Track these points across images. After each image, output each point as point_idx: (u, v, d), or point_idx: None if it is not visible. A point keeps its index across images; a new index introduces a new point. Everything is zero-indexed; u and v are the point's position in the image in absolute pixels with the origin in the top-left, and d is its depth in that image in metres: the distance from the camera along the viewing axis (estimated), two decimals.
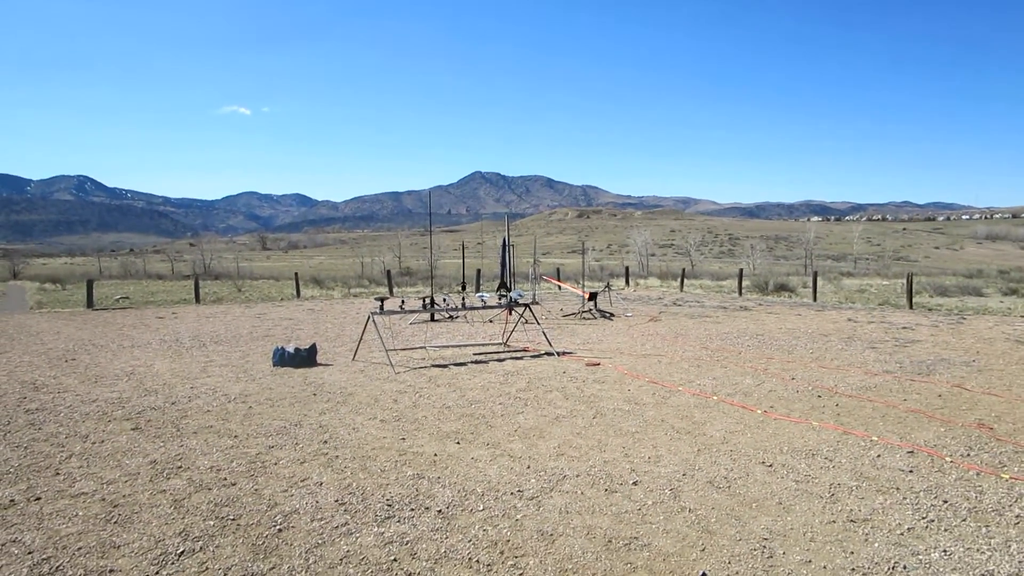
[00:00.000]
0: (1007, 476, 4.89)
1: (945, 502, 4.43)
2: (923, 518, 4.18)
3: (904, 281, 21.81)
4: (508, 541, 3.90)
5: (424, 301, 12.89)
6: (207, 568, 3.60)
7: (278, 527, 4.09)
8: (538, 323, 12.23)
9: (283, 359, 9.51)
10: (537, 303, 15.12)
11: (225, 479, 4.91)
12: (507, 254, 14.52)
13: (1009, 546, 3.80)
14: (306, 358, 9.57)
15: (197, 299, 22.00)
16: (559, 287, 24.37)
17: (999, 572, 3.52)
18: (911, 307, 18.33)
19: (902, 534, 3.96)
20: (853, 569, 3.56)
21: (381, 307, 10.23)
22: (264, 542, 3.89)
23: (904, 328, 13.57)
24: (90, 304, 20.21)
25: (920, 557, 3.68)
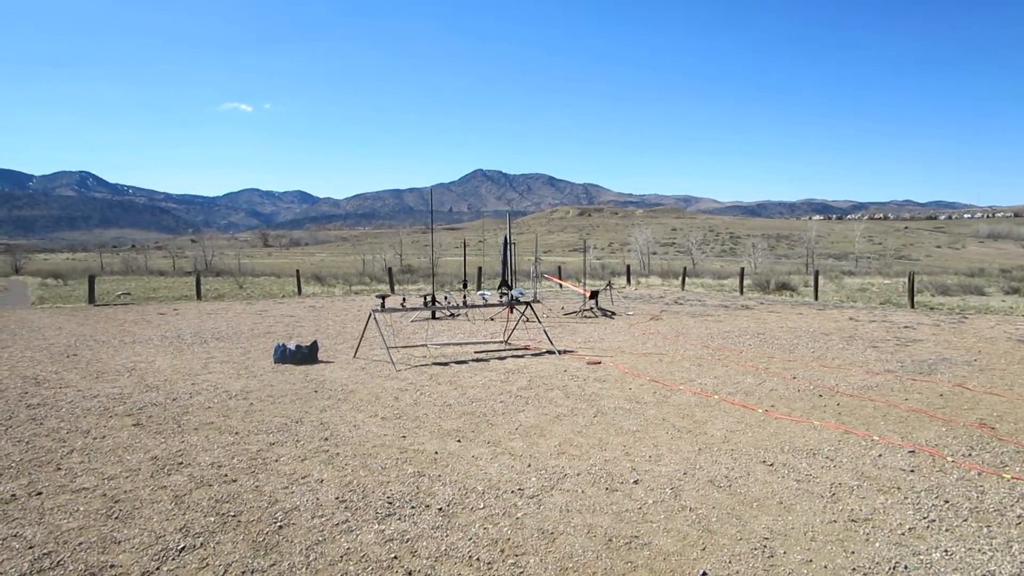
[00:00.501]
0: (1009, 476, 4.89)
1: (946, 502, 4.42)
2: (924, 518, 4.17)
3: (906, 280, 21.79)
4: (509, 539, 3.90)
5: (425, 299, 12.89)
6: (208, 564, 3.60)
7: (279, 524, 4.09)
8: (539, 321, 12.23)
9: (284, 356, 9.51)
10: (538, 301, 15.12)
11: (226, 475, 4.91)
12: (508, 252, 14.51)
13: (1011, 546, 3.80)
14: (307, 355, 9.57)
15: (199, 295, 22.02)
16: (560, 285, 24.36)
17: (1000, 572, 3.52)
18: (913, 306, 18.31)
19: (903, 534, 3.96)
20: (854, 569, 3.56)
21: (382, 305, 10.23)
22: (265, 539, 3.90)
23: (906, 327, 13.56)
24: (92, 300, 20.23)
25: (921, 557, 3.68)
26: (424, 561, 3.65)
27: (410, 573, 3.52)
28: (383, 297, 10.41)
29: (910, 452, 5.45)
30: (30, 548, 3.78)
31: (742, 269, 27.23)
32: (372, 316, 10.00)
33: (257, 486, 4.70)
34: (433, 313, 15.08)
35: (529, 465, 5.15)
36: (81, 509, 4.32)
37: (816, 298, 21.33)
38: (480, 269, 26.29)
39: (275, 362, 9.52)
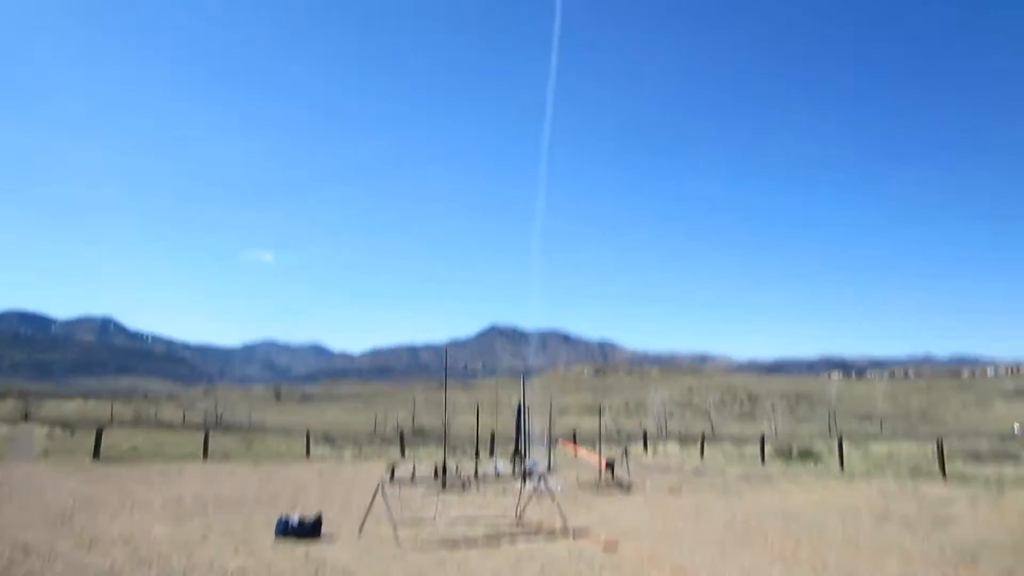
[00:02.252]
0: None
1: None
2: None
3: (934, 445, 21.01)
4: None
5: (436, 468, 12.58)
6: None
7: None
8: (552, 497, 11.76)
9: (286, 530, 9.14)
10: (552, 471, 14.68)
11: None
12: (523, 419, 14.25)
13: None
14: (310, 530, 9.19)
15: (205, 454, 21.72)
16: (575, 454, 23.78)
17: None
18: (944, 476, 17.51)
19: None
20: None
21: (392, 475, 9.98)
22: None
23: (940, 501, 12.86)
24: (96, 455, 19.99)
25: None
26: None
27: None
28: (392, 468, 10.20)
29: None
30: None
31: (762, 436, 26.55)
32: (380, 488, 9.68)
33: None
34: (443, 483, 14.60)
35: None
36: None
37: (841, 467, 20.54)
38: (493, 434, 25.85)
39: (277, 535, 9.12)
